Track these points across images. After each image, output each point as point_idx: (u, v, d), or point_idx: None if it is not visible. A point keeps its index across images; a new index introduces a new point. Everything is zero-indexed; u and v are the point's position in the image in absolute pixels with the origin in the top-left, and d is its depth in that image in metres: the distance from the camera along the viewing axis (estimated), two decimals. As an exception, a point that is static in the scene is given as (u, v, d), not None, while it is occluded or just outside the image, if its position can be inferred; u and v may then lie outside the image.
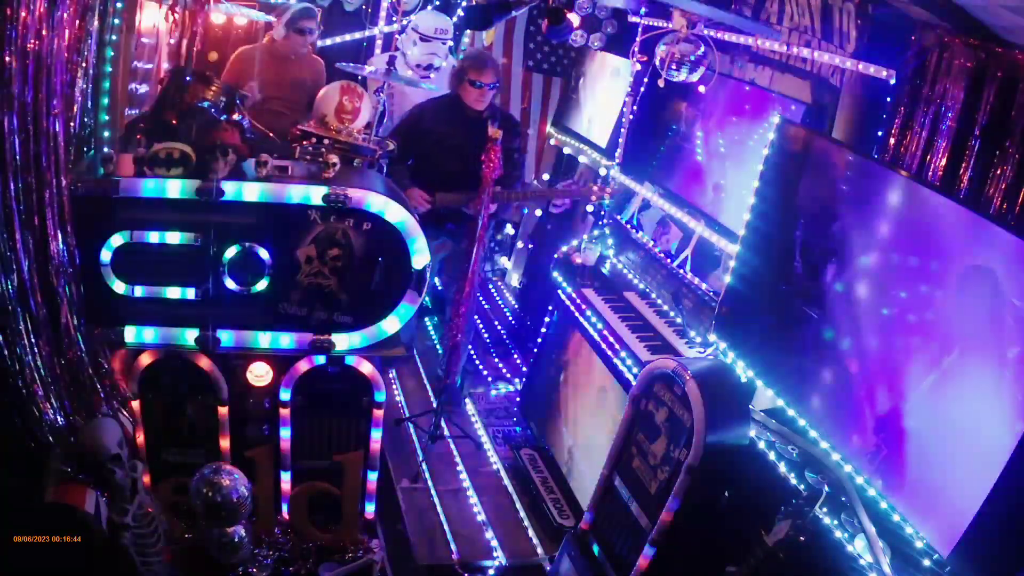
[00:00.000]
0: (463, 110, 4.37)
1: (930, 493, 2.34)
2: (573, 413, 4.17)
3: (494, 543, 3.79)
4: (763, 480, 2.86)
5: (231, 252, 3.07)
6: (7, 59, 2.36)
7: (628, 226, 4.47)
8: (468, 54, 4.67)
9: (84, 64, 2.87)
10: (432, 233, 4.39)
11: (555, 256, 4.70)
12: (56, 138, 2.61)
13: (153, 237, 3.00)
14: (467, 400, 4.87)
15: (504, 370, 5.34)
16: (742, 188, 3.69)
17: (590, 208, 5.02)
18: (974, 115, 2.73)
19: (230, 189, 2.98)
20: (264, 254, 3.09)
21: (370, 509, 3.59)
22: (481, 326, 5.79)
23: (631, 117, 4.66)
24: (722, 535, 2.88)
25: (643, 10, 4.59)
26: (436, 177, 4.38)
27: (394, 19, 5.44)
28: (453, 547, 3.75)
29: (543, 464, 4.26)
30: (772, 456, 2.89)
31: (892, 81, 3.09)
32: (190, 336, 3.14)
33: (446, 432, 4.35)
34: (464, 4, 5.49)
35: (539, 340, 4.74)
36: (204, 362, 3.17)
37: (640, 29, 4.47)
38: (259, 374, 3.29)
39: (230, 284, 3.10)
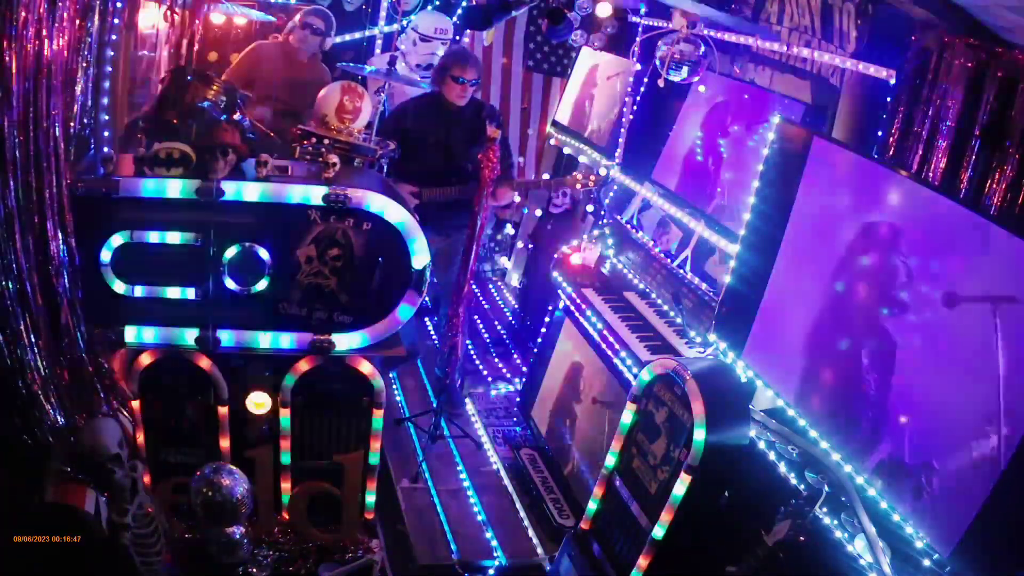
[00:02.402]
0: (445, 106, 4.41)
1: (931, 492, 2.34)
2: (573, 413, 4.17)
3: (494, 543, 3.79)
4: (763, 480, 2.86)
5: (231, 252, 3.06)
6: (7, 59, 2.36)
7: (628, 226, 4.47)
8: (450, 51, 4.70)
9: (84, 64, 2.87)
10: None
11: (555, 256, 4.71)
12: (56, 138, 2.61)
13: (153, 237, 3.00)
14: (467, 400, 4.87)
15: (504, 370, 5.35)
16: (742, 188, 3.69)
17: (590, 208, 5.02)
18: (974, 115, 2.73)
19: (230, 189, 2.98)
20: (264, 254, 3.09)
21: (370, 509, 3.59)
22: (481, 326, 5.79)
23: (631, 117, 4.67)
24: (722, 535, 2.88)
25: (643, 9, 4.60)
26: (421, 172, 4.45)
27: (394, 19, 5.45)
28: (453, 547, 3.75)
29: (543, 464, 4.26)
30: (772, 456, 2.89)
31: (892, 81, 3.09)
32: (190, 336, 3.13)
33: (446, 432, 4.35)
34: (464, 4, 5.49)
35: (539, 340, 4.74)
36: (204, 362, 3.17)
37: (640, 29, 4.48)
38: (259, 402, 3.31)
39: (230, 284, 3.09)
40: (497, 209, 5.65)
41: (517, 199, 4.68)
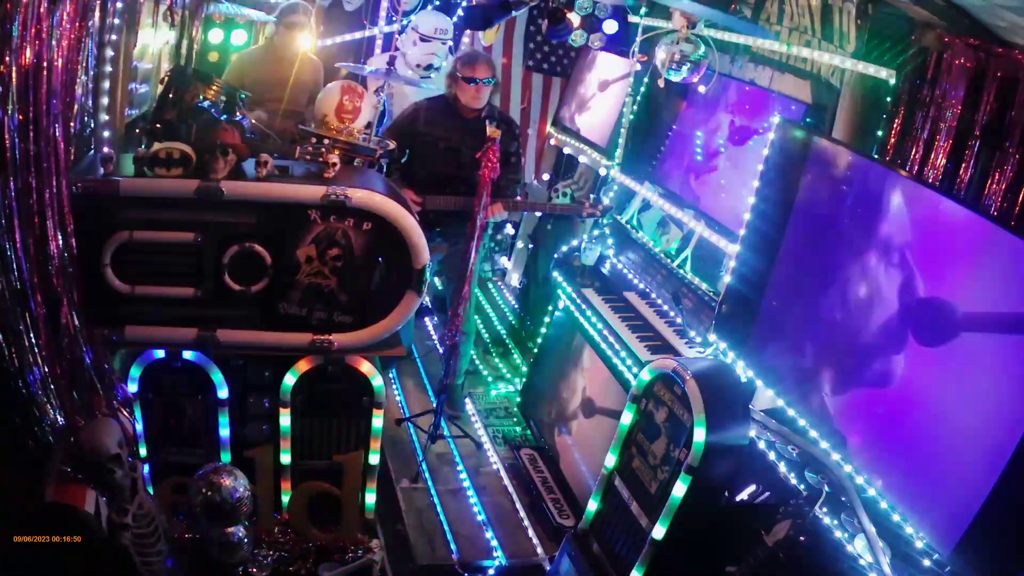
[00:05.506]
0: (459, 112, 4.27)
1: (931, 492, 2.34)
2: (573, 413, 4.17)
3: (494, 543, 3.78)
4: (763, 480, 2.86)
5: (231, 252, 3.07)
6: (7, 59, 2.36)
7: (628, 226, 4.47)
8: (458, 54, 4.67)
9: (84, 64, 2.87)
10: (425, 235, 4.37)
11: (555, 256, 4.70)
12: (56, 138, 2.61)
13: (153, 237, 3.00)
14: (467, 400, 4.87)
15: (504, 370, 5.34)
16: (742, 188, 3.69)
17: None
18: (974, 115, 2.74)
19: (230, 189, 2.98)
20: (264, 254, 3.09)
21: (370, 509, 3.59)
22: (481, 326, 5.78)
23: (631, 117, 4.67)
24: (722, 535, 2.88)
25: (643, 10, 4.59)
26: (427, 179, 4.29)
27: (394, 19, 5.44)
28: (453, 547, 3.74)
29: (543, 464, 4.26)
30: (772, 456, 2.89)
31: (892, 81, 3.09)
32: (190, 336, 3.13)
33: (446, 432, 4.35)
34: (464, 4, 5.49)
35: (539, 340, 4.74)
36: (204, 362, 3.17)
37: (640, 29, 4.48)
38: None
39: (230, 284, 3.09)
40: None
41: (505, 216, 4.51)
